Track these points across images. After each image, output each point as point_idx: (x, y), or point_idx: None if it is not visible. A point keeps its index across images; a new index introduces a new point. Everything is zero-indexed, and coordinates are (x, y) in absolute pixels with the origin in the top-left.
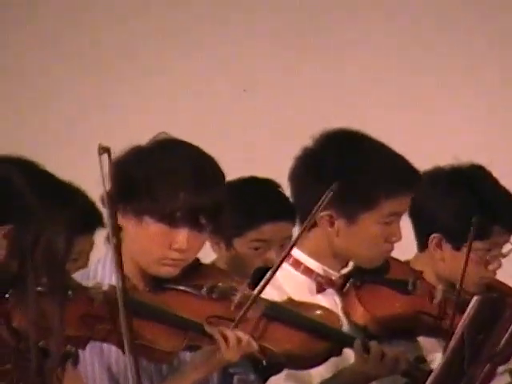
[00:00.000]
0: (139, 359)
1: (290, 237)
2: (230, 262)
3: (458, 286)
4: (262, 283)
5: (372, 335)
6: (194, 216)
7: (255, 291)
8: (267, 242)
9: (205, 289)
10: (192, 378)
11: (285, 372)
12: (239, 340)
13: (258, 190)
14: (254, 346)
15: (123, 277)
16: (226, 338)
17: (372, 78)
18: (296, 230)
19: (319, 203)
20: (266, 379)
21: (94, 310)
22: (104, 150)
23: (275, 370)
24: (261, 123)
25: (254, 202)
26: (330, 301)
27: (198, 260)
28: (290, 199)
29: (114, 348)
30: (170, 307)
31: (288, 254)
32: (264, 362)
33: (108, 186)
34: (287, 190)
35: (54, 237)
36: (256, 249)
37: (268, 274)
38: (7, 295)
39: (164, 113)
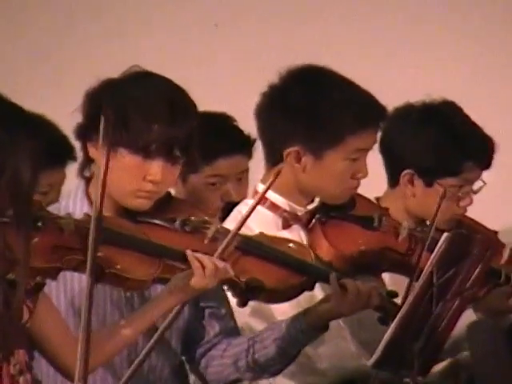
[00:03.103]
0: (114, 289)
1: (247, 170)
2: (187, 197)
3: (429, 223)
4: (240, 219)
5: (337, 271)
6: (168, 148)
7: (233, 227)
8: (223, 177)
9: (178, 222)
10: (166, 304)
11: (249, 308)
12: (216, 267)
13: (211, 125)
14: (231, 272)
15: (102, 200)
16: (203, 266)
17: (343, 13)
18: (252, 163)
19: None
20: (245, 303)
21: (64, 240)
22: None
23: (254, 293)
24: (231, 59)
25: (207, 137)
26: (295, 237)
27: (169, 194)
28: (246, 132)
29: (83, 280)
30: None
31: (263, 195)
32: (243, 286)
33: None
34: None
35: (19, 167)
36: (213, 184)
37: (245, 212)
38: None
39: (135, 47)
